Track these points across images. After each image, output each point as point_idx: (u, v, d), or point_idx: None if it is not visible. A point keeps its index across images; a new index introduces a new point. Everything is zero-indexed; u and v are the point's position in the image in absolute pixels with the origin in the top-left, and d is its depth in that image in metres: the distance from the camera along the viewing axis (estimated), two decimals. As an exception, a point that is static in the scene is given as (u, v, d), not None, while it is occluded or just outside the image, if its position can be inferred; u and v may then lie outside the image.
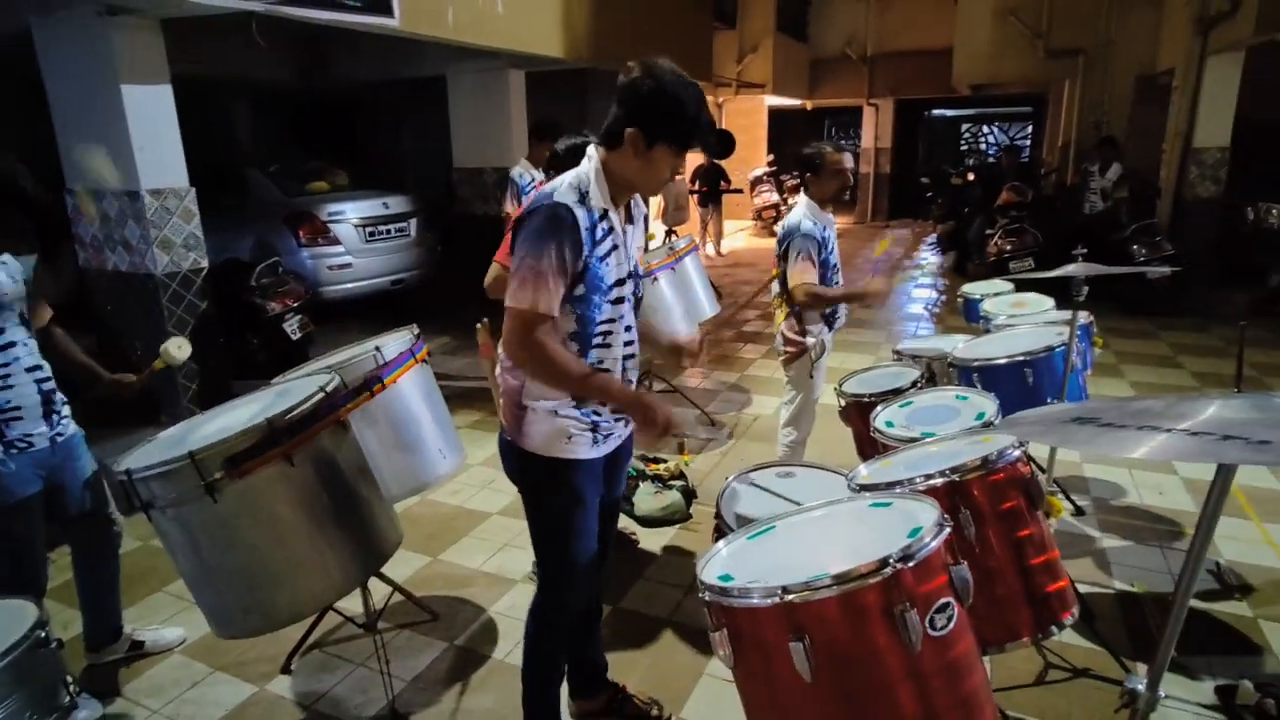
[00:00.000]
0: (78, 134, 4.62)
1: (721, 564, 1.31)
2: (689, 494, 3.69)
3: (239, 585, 1.89)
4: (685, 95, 1.64)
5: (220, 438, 1.78)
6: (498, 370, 1.88)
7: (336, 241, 6.95)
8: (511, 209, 4.67)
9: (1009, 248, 7.66)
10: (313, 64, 8.24)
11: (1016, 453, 1.53)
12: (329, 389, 1.98)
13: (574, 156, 2.97)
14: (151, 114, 4.50)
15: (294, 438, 1.82)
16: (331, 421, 1.97)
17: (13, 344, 2.11)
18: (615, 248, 1.72)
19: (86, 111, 4.48)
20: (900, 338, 6.43)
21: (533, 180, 4.75)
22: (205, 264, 4.87)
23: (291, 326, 5.69)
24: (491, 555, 3.32)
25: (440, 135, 8.55)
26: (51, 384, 2.29)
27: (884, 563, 1.07)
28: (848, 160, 3.04)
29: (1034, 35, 10.30)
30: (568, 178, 1.70)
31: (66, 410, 2.35)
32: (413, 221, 7.60)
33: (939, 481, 1.47)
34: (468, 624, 2.85)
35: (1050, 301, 3.46)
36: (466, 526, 3.58)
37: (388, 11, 4.81)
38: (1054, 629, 1.52)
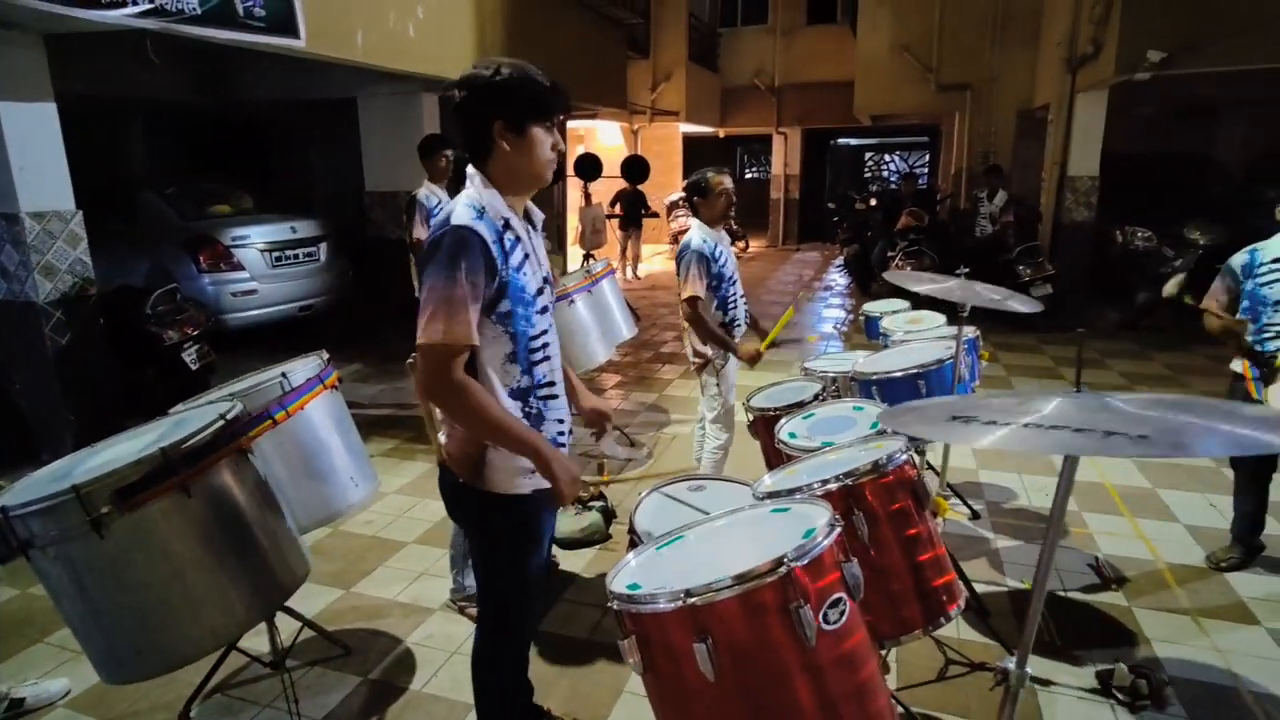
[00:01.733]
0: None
1: (631, 574, 1.35)
2: (608, 514, 3.72)
3: (130, 626, 1.79)
4: (528, 70, 1.64)
5: (109, 469, 1.70)
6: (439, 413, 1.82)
7: (240, 267, 6.69)
8: (421, 233, 4.63)
9: (908, 268, 8.09)
10: (212, 82, 7.95)
11: (904, 457, 1.64)
12: (230, 416, 1.92)
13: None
14: (32, 133, 4.25)
15: (191, 468, 1.76)
16: (232, 450, 1.91)
17: None
18: (527, 256, 1.69)
19: (-41, 129, 4.19)
20: (811, 355, 6.69)
21: (439, 201, 4.73)
22: (93, 291, 4.61)
23: (190, 356, 5.42)
24: (408, 585, 3.25)
25: (351, 157, 8.38)
26: None
27: (779, 562, 1.14)
28: (728, 181, 3.31)
29: (926, 70, 11.01)
30: (460, 199, 1.66)
31: None
32: (322, 245, 7.40)
33: (834, 486, 1.56)
34: (383, 656, 2.77)
35: (942, 318, 3.69)
36: (381, 557, 3.49)
37: (293, 33, 4.72)
38: (943, 619, 1.62)
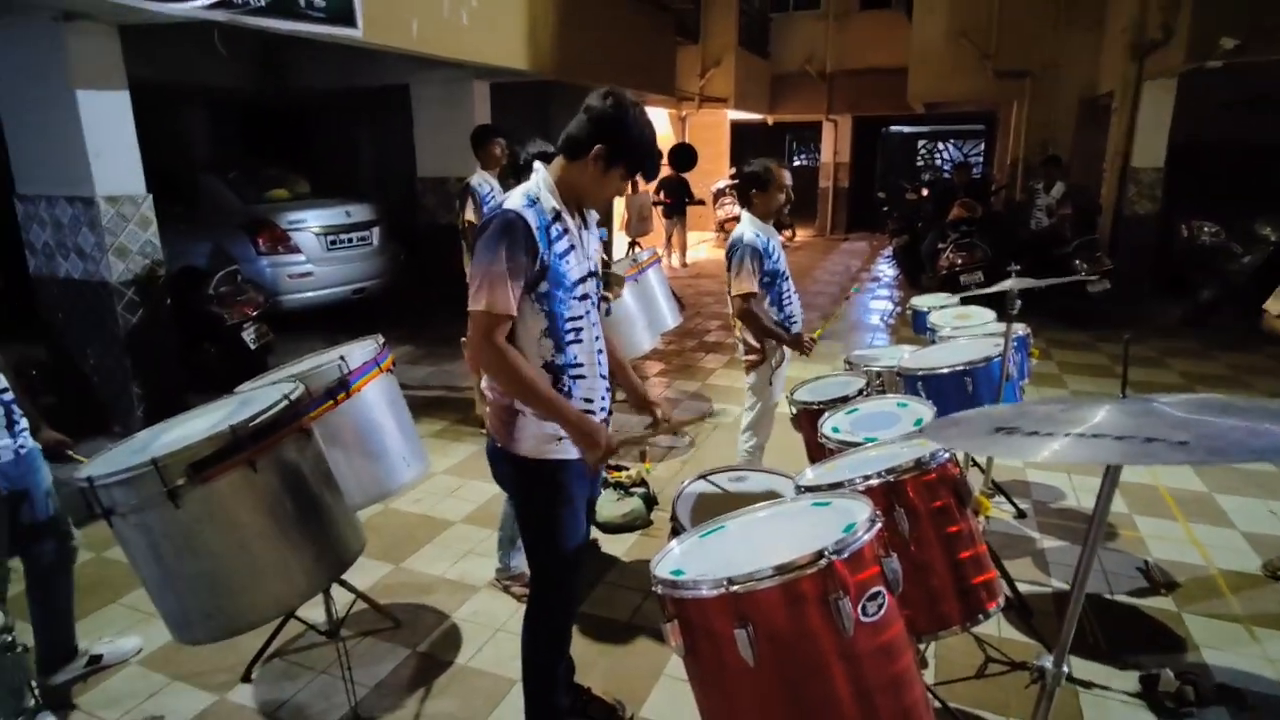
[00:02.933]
0: (30, 139, 4.55)
1: (674, 560, 1.39)
2: (650, 501, 3.77)
3: (201, 591, 1.91)
4: (647, 129, 1.82)
5: (184, 444, 1.81)
6: (484, 381, 1.94)
7: (297, 250, 6.91)
8: (474, 218, 4.72)
9: (960, 261, 7.93)
10: (272, 71, 8.19)
11: (947, 455, 1.65)
12: (293, 397, 2.02)
13: (544, 161, 3.07)
14: (108, 120, 4.46)
15: (257, 444, 1.86)
16: (295, 429, 2.01)
17: None
18: (572, 247, 1.84)
19: (40, 117, 4.42)
20: (856, 348, 6.63)
21: (491, 189, 4.80)
22: (162, 272, 4.82)
23: (249, 336, 5.63)
24: (455, 562, 3.35)
25: (402, 143, 8.54)
26: (11, 397, 2.31)
27: (820, 555, 1.17)
28: (789, 177, 3.23)
29: (983, 56, 10.70)
30: (516, 190, 1.83)
31: (25, 423, 2.36)
32: (375, 230, 7.59)
33: (876, 482, 1.58)
34: (430, 630, 2.88)
35: (991, 314, 3.63)
36: (429, 534, 3.60)
37: (351, 22, 4.84)
38: (981, 617, 1.63)
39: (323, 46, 5.58)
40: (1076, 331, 7.28)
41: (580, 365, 1.89)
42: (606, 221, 10.52)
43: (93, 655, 2.62)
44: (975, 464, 3.49)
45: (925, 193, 11.84)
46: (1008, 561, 3.16)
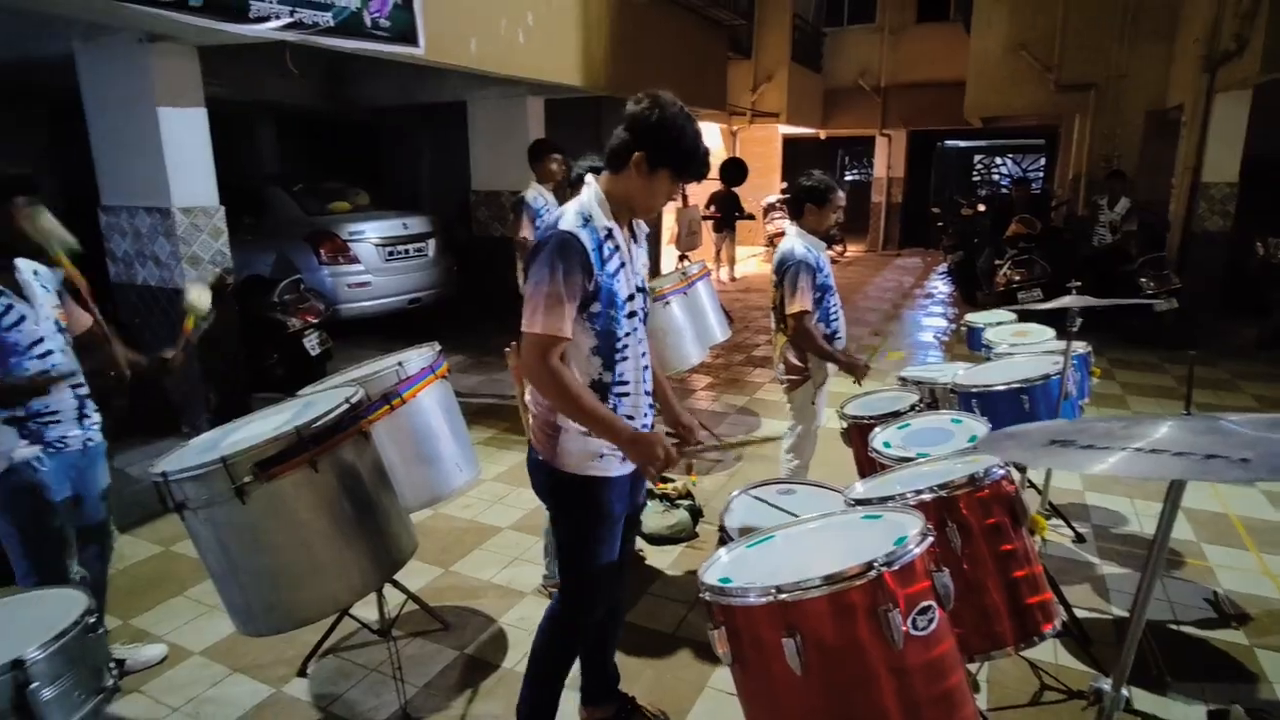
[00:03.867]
0: (114, 153, 4.82)
1: (722, 568, 1.40)
2: (696, 513, 3.77)
3: (263, 584, 1.99)
4: (687, 128, 1.79)
5: (251, 443, 1.89)
6: (529, 392, 1.98)
7: (356, 260, 7.13)
8: (527, 232, 4.80)
9: (1017, 278, 7.74)
10: (335, 88, 8.49)
11: (1001, 472, 1.61)
12: (354, 400, 2.10)
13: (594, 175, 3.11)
14: (185, 135, 4.69)
15: (319, 445, 1.93)
16: (355, 432, 2.08)
17: (50, 351, 2.20)
18: (622, 265, 1.85)
19: (124, 132, 4.68)
20: (908, 365, 6.51)
21: (546, 203, 4.88)
22: (231, 280, 5.04)
23: (311, 343, 5.83)
24: (502, 568, 3.40)
25: (457, 157, 8.76)
26: (85, 389, 2.36)
27: (869, 566, 1.16)
28: (842, 196, 3.20)
29: (1045, 69, 10.45)
30: (571, 206, 1.84)
31: (97, 417, 2.42)
32: (430, 241, 7.78)
33: (928, 497, 1.56)
34: (478, 633, 2.93)
35: (1051, 332, 3.54)
36: (478, 540, 3.67)
37: (414, 41, 5.00)
38: (1035, 639, 1.59)
39: (384, 64, 5.78)
40: (1142, 352, 7.02)
41: (626, 383, 1.90)
42: (656, 236, 10.59)
43: (116, 659, 2.71)
44: (1031, 485, 3.39)
45: (982, 208, 11.58)
46: (1066, 587, 3.05)
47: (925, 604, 1.18)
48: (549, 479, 1.94)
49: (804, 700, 1.18)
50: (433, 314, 7.85)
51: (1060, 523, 3.62)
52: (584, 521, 1.94)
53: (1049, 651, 2.74)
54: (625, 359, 1.88)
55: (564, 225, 1.77)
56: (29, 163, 5.26)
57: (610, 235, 1.82)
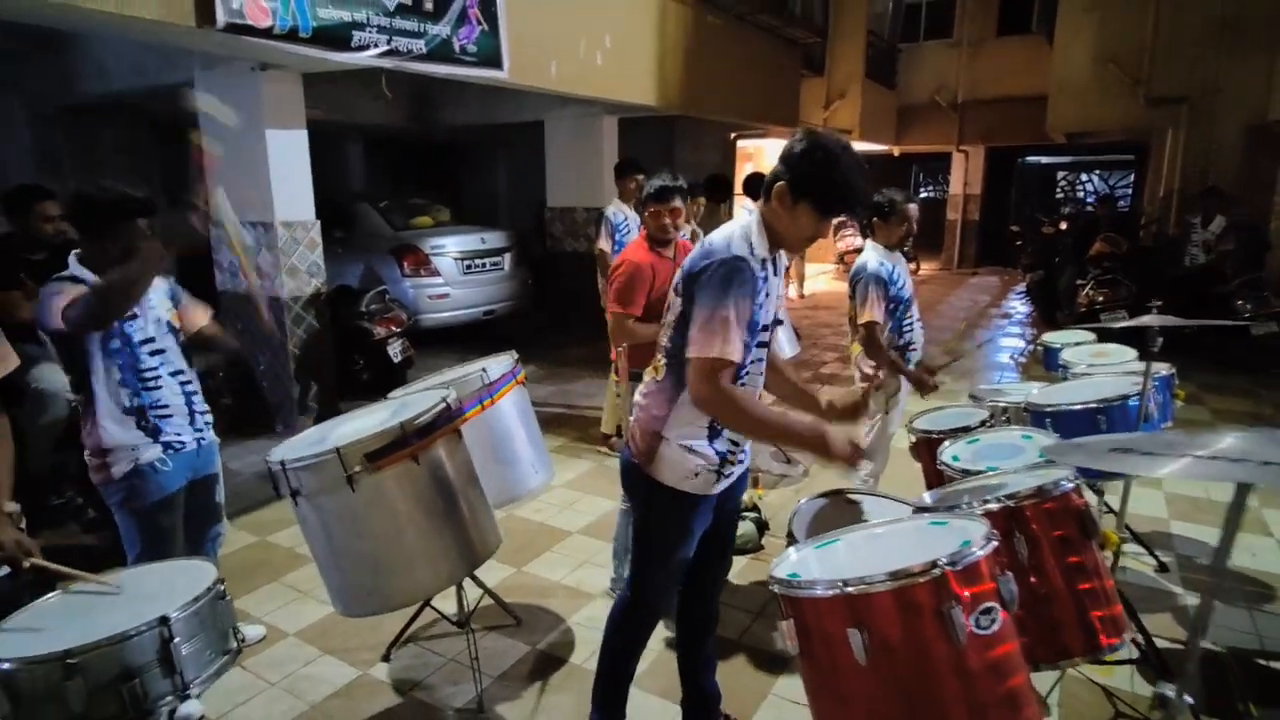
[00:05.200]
0: (227, 170, 5.22)
1: (790, 566, 1.47)
2: (762, 525, 3.81)
3: (363, 569, 2.16)
4: (839, 160, 1.72)
5: (360, 436, 2.07)
6: (636, 395, 2.01)
7: (436, 273, 7.46)
8: (606, 246, 4.96)
9: (1101, 299, 7.48)
10: (420, 109, 8.91)
11: (1070, 485, 1.63)
12: (450, 401, 2.26)
13: (661, 195, 3.23)
14: (288, 155, 5.06)
15: (421, 440, 2.09)
16: (450, 430, 2.24)
17: (162, 350, 2.39)
18: (768, 295, 1.84)
19: (236, 152, 5.07)
20: (983, 384, 6.37)
21: (625, 218, 5.03)
22: (324, 289, 5.38)
23: (394, 350, 6.14)
24: (572, 570, 3.53)
25: (531, 175, 9.05)
26: (194, 388, 2.51)
27: (933, 564, 1.22)
28: (914, 209, 3.24)
29: (1134, 82, 10.08)
30: (737, 230, 1.81)
31: (208, 416, 2.57)
32: (507, 256, 8.07)
33: (995, 506, 1.59)
34: (548, 631, 3.05)
35: (1132, 353, 3.45)
36: (549, 543, 3.81)
37: (498, 65, 5.26)
38: (1103, 651, 1.59)
39: (466, 86, 6.07)
40: (1237, 376, 6.68)
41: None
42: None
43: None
44: (1108, 508, 3.30)
45: (1064, 226, 11.21)
46: (1146, 615, 2.96)
47: (988, 605, 1.23)
48: (640, 483, 1.99)
49: (868, 691, 1.24)
50: (507, 325, 8.12)
51: (1142, 550, 3.51)
52: (666, 530, 2.00)
53: (1125, 679, 2.68)
54: (745, 383, 1.89)
55: (735, 250, 1.75)
56: (141, 180, 5.81)
57: (764, 265, 1.81)
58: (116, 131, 7.32)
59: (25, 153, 6.68)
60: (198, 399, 2.53)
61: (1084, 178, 20.71)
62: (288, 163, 5.06)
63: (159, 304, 2.44)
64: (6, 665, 1.38)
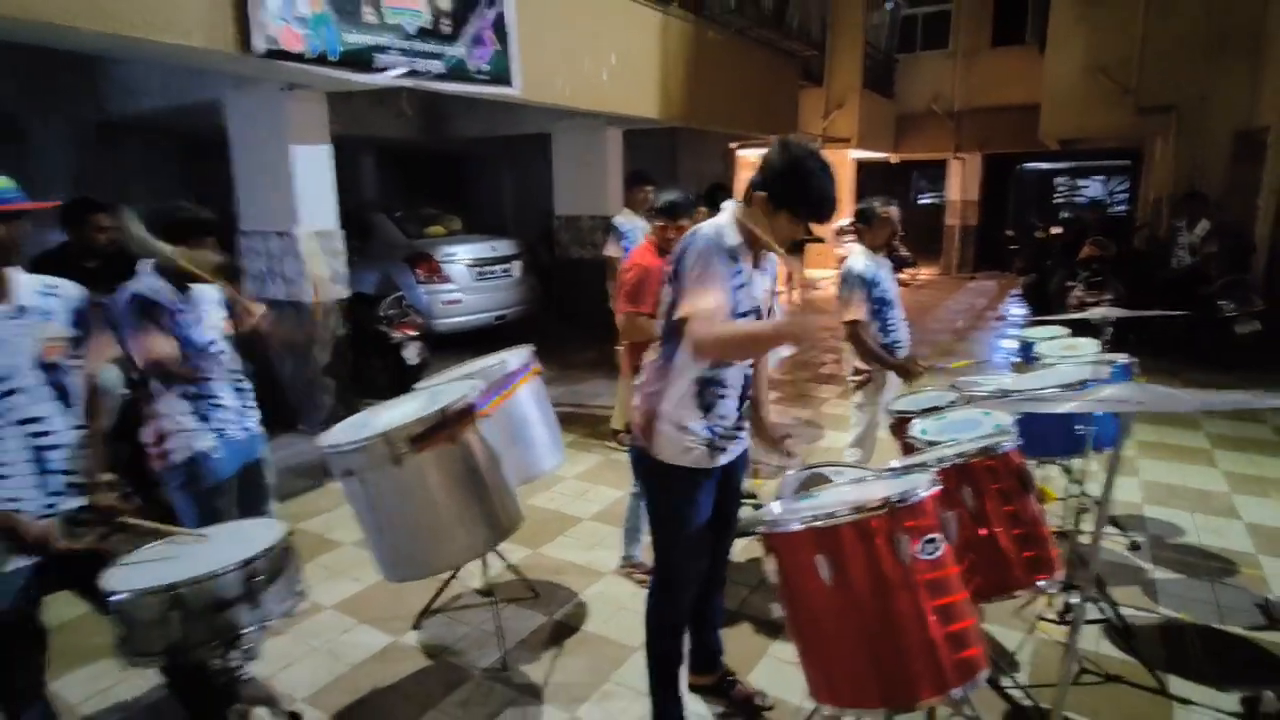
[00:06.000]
0: (252, 185, 5.54)
1: (773, 514, 1.74)
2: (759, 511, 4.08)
3: (406, 538, 2.45)
4: (813, 174, 1.95)
5: (403, 421, 2.35)
6: (636, 382, 2.27)
7: (449, 279, 7.77)
8: (615, 252, 5.23)
9: (1090, 300, 7.73)
10: (431, 123, 9.25)
11: (1010, 446, 1.90)
12: (480, 388, 2.54)
13: (671, 211, 3.52)
14: (312, 169, 5.37)
15: (457, 423, 2.38)
16: (483, 413, 2.53)
17: (221, 349, 2.66)
18: (743, 285, 2.05)
19: (262, 167, 5.39)
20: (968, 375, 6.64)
21: (633, 227, 5.31)
22: (347, 295, 5.68)
23: (410, 353, 6.44)
24: (583, 552, 3.80)
25: (537, 185, 9.37)
26: (246, 385, 2.76)
27: (885, 501, 1.49)
28: (894, 212, 3.52)
29: (1124, 91, 10.36)
30: (711, 222, 2.09)
31: (256, 412, 2.79)
32: (516, 263, 8.38)
33: (948, 465, 1.86)
34: (563, 603, 3.33)
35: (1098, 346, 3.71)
36: (561, 527, 4.08)
37: (510, 83, 5.57)
38: (1037, 585, 1.86)
39: (475, 100, 6.38)
40: (1221, 374, 6.92)
41: (724, 385, 2.15)
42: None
43: None
44: (1086, 494, 3.55)
45: (1055, 230, 11.48)
46: (1116, 588, 3.23)
47: (932, 535, 1.50)
48: (645, 464, 2.23)
49: (834, 608, 1.51)
50: (517, 330, 8.40)
51: (1116, 531, 3.77)
52: (673, 503, 2.23)
53: (1091, 641, 2.94)
54: (729, 364, 2.13)
55: (705, 230, 2.04)
56: (168, 194, 6.16)
57: (734, 253, 2.02)
58: (144, 148, 7.67)
59: (62, 168, 7.02)
60: (249, 394, 2.79)
61: (1082, 183, 20.97)
62: (312, 176, 5.37)
63: (215, 314, 2.72)
64: (123, 595, 1.67)
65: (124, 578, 1.73)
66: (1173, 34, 9.89)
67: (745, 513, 4.00)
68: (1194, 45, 9.76)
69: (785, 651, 2.93)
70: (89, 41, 3.75)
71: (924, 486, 1.54)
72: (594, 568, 3.65)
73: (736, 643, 3.00)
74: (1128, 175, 18.55)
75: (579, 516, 4.23)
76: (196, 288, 2.60)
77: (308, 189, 5.35)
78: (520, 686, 2.78)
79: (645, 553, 3.46)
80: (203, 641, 1.68)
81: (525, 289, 8.47)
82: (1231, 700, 2.59)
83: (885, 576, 1.47)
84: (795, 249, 11.85)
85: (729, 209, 2.11)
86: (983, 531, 1.82)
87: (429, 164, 11.60)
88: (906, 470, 1.87)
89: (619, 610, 3.26)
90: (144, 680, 2.76)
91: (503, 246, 8.34)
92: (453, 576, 3.25)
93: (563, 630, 3.13)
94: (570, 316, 8.72)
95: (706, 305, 1.93)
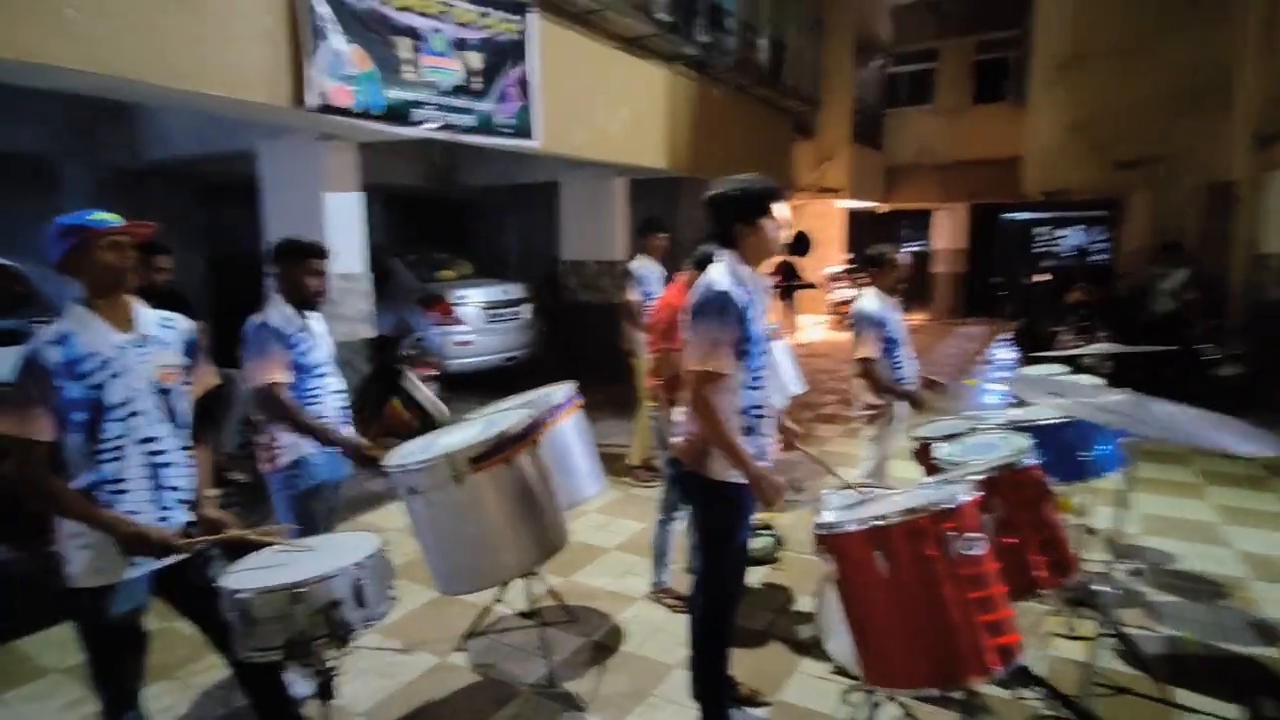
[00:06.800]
0: (284, 229, 5.78)
1: (830, 521, 1.95)
2: (776, 541, 4.28)
3: (463, 553, 2.62)
4: (746, 185, 2.35)
5: (466, 444, 2.56)
6: (676, 416, 2.52)
7: (461, 321, 8.01)
8: (634, 296, 5.47)
9: (1080, 343, 8.08)
10: (445, 172, 9.60)
11: (1031, 462, 2.15)
12: (535, 417, 2.76)
13: (699, 264, 3.79)
14: (344, 215, 5.65)
15: (513, 446, 2.59)
16: (532, 440, 2.74)
17: (325, 374, 2.94)
18: (761, 312, 2.35)
19: (295, 212, 5.64)
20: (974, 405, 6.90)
21: (648, 272, 5.56)
22: (371, 335, 5.90)
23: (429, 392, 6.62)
24: (614, 579, 3.97)
25: (541, 231, 9.69)
26: (346, 403, 3.06)
27: (933, 504, 1.71)
28: (903, 258, 3.82)
29: (1101, 147, 10.92)
30: (717, 270, 2.34)
31: (351, 428, 3.07)
32: (525, 306, 8.64)
33: (977, 477, 2.08)
34: (600, 626, 3.49)
35: (1101, 383, 3.98)
36: (590, 557, 4.25)
37: (531, 135, 5.91)
38: (1065, 580, 2.09)
39: (487, 151, 6.71)
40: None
41: (762, 407, 2.40)
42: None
43: None
44: (1090, 531, 3.76)
45: (1045, 277, 11.93)
46: (1121, 610, 3.43)
47: (972, 535, 1.72)
48: (698, 484, 2.42)
49: (890, 597, 1.72)
50: (527, 371, 8.62)
51: (1121, 560, 3.98)
52: (725, 515, 2.43)
53: (1104, 658, 3.13)
54: (761, 388, 2.37)
55: (718, 286, 2.26)
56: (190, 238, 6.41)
57: (748, 291, 2.31)
58: (166, 192, 7.94)
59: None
60: (348, 411, 3.06)
61: (1063, 233, 21.67)
62: (343, 221, 5.63)
63: (326, 340, 2.98)
64: (246, 594, 1.85)
65: (239, 580, 1.91)
66: (1145, 94, 10.50)
67: (765, 541, 4.23)
68: (1166, 104, 10.35)
69: (815, 668, 3.10)
70: (151, 95, 4.03)
71: (964, 493, 1.78)
72: (626, 594, 3.81)
73: (767, 662, 3.18)
74: (1107, 225, 19.27)
75: (605, 547, 4.40)
76: (312, 317, 2.93)
77: (339, 234, 5.60)
78: (567, 700, 2.93)
79: (675, 580, 3.64)
80: (319, 636, 1.85)
81: (534, 331, 8.71)
82: (1231, 711, 2.78)
83: (934, 571, 1.69)
84: (787, 295, 12.26)
85: (724, 256, 2.38)
86: (1011, 538, 2.04)
87: (436, 210, 11.94)
88: (941, 485, 2.10)
89: (655, 632, 3.42)
90: (197, 697, 2.89)
91: (513, 290, 8.62)
92: (497, 600, 3.40)
93: (603, 650, 3.29)
94: (578, 359, 8.95)
95: (713, 367, 2.21)
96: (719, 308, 2.24)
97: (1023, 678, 2.61)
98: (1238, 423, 1.89)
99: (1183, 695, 2.89)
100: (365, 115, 4.49)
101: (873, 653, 1.81)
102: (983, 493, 1.92)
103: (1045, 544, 2.08)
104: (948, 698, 2.13)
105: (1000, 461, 2.16)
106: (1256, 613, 3.53)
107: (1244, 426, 1.83)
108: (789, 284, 12.20)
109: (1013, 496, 2.10)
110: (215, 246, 8.61)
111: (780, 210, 2.40)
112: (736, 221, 2.36)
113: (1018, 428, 3.16)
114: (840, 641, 2.57)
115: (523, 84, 5.70)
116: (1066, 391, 1.71)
